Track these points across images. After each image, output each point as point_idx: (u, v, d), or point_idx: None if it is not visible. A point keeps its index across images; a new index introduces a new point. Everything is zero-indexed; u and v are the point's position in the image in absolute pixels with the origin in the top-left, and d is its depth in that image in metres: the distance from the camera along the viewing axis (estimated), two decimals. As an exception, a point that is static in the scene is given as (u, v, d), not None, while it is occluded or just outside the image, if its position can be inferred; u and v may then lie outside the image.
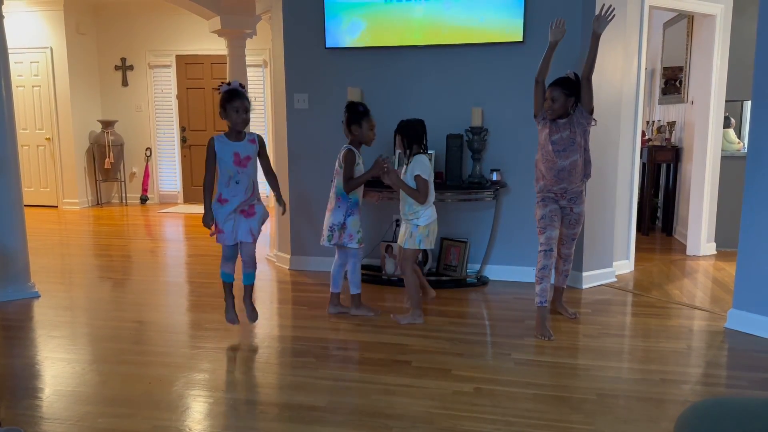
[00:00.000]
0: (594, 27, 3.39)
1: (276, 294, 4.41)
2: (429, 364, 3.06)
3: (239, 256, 3.39)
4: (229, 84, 3.27)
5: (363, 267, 3.88)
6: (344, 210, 3.70)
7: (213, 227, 3.30)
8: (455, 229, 4.64)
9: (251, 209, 3.32)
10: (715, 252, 5.51)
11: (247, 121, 3.26)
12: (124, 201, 8.88)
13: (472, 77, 4.51)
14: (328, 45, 4.60)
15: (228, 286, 3.47)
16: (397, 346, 3.30)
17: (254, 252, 3.38)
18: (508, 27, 4.30)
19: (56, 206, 8.38)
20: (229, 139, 3.25)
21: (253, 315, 3.51)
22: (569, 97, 3.40)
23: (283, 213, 3.50)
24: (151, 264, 5.29)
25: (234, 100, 3.19)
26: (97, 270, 5.10)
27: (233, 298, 3.50)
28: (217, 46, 7.87)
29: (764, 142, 3.40)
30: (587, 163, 3.52)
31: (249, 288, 3.46)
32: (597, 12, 3.44)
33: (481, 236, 4.60)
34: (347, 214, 3.70)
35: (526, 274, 4.45)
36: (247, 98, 3.26)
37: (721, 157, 5.45)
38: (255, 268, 3.43)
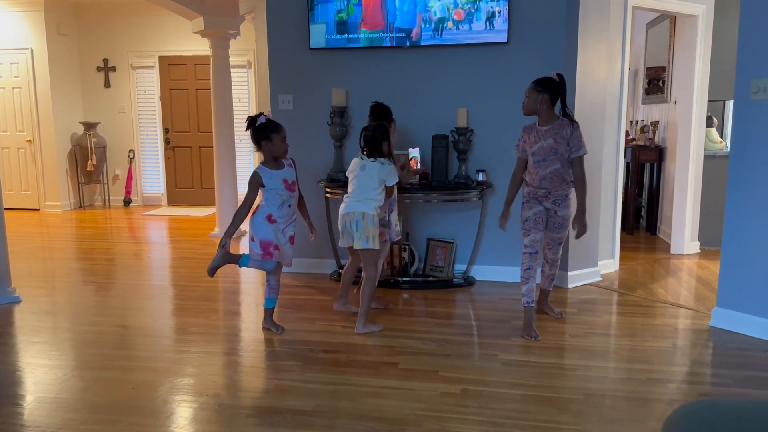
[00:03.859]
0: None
1: (261, 297, 4.37)
2: (416, 366, 3.05)
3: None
4: (261, 115, 3.35)
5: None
6: (386, 207, 3.81)
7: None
8: (442, 229, 4.63)
9: (291, 239, 3.47)
10: (699, 250, 5.56)
11: (287, 150, 3.42)
12: (107, 203, 8.78)
13: (458, 78, 4.51)
14: (312, 45, 4.58)
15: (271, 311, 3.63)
16: (384, 348, 3.29)
17: (279, 276, 3.58)
18: (493, 28, 4.30)
19: (38, 209, 8.26)
20: (271, 168, 3.37)
21: (280, 329, 3.58)
22: (540, 93, 3.38)
23: (313, 239, 3.65)
24: (134, 267, 5.23)
25: (281, 129, 3.35)
26: (80, 274, 5.03)
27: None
28: (201, 47, 7.82)
29: (746, 142, 3.43)
30: (568, 170, 3.45)
31: (272, 311, 3.61)
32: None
33: (467, 237, 4.60)
34: (390, 209, 3.85)
35: (513, 274, 4.46)
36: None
37: (704, 156, 5.50)
38: (278, 293, 3.60)
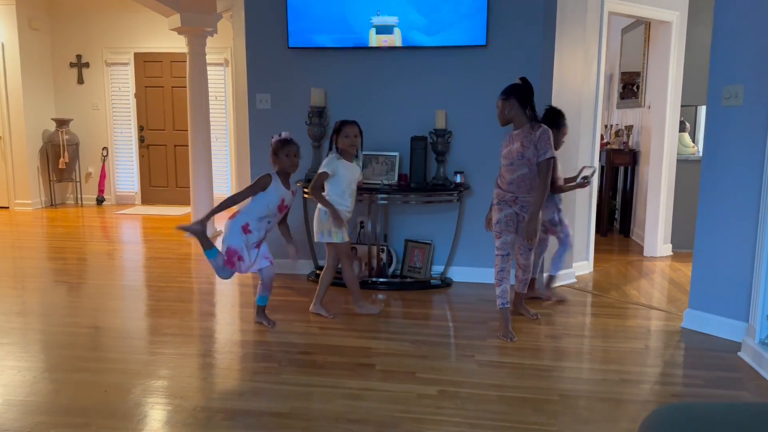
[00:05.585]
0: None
1: (238, 298, 4.34)
2: (393, 367, 3.05)
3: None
4: (279, 135, 3.48)
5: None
6: (553, 208, 3.98)
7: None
8: (419, 230, 4.64)
9: (259, 244, 3.52)
10: (672, 253, 5.65)
11: (297, 165, 3.50)
12: (79, 202, 8.63)
13: (437, 80, 4.52)
14: (291, 44, 4.55)
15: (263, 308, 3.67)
16: (361, 349, 3.28)
17: (273, 275, 3.60)
18: (472, 31, 4.32)
19: (7, 207, 8.09)
20: (281, 181, 3.46)
21: (271, 322, 3.63)
22: (506, 100, 3.42)
23: (292, 259, 3.69)
24: (107, 267, 5.14)
25: (286, 145, 3.45)
26: (51, 273, 4.93)
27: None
28: (177, 44, 7.72)
29: (718, 146, 3.49)
30: (536, 177, 3.43)
31: (263, 307, 3.66)
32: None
33: (445, 238, 4.62)
34: (557, 209, 3.99)
35: (490, 275, 4.47)
36: (296, 144, 3.50)
37: (677, 160, 5.59)
38: (271, 291, 3.64)
